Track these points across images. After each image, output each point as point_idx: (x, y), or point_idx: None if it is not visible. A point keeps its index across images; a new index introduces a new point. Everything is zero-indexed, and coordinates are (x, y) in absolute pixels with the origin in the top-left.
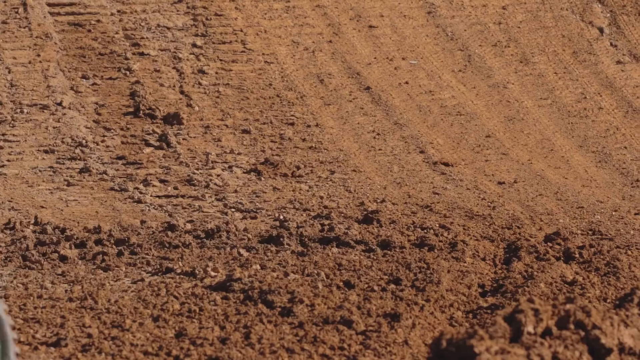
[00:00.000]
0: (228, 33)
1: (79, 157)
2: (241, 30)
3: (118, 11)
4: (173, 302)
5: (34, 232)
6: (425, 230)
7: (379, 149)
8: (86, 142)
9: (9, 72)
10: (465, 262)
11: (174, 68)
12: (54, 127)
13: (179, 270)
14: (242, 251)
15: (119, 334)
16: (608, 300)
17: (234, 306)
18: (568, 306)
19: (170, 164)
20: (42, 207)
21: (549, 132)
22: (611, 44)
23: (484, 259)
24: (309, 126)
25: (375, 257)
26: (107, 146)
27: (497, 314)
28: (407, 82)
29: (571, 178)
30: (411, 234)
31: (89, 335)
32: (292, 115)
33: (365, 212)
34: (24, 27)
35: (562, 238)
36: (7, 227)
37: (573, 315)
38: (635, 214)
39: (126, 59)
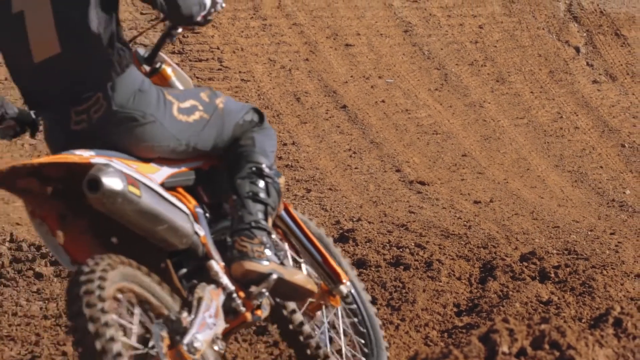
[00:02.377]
0: (205, 51)
1: None
2: (218, 48)
3: None
4: None
5: (10, 249)
6: (401, 249)
7: (355, 168)
8: None
9: None
10: (440, 282)
11: None
12: (30, 144)
13: None
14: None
15: None
16: (583, 320)
17: None
18: (543, 326)
19: None
20: (18, 224)
21: (525, 152)
22: (587, 64)
23: (459, 279)
24: (285, 144)
25: None
26: None
27: (472, 334)
28: (383, 101)
29: (547, 197)
30: (387, 252)
31: (64, 353)
32: None
33: (341, 231)
34: None
35: (538, 257)
36: None
37: (548, 335)
38: (611, 233)
39: None
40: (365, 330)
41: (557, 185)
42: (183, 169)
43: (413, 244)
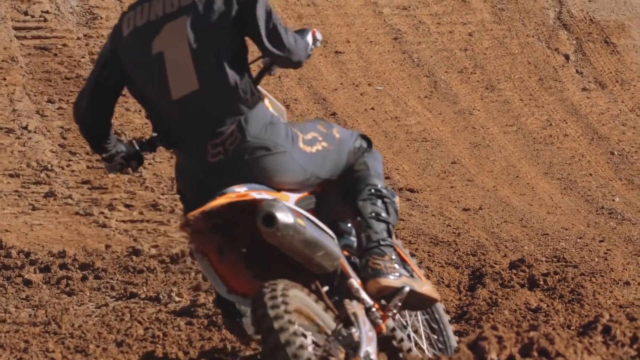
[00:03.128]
0: None
1: (44, 182)
2: None
3: (84, 35)
4: (137, 328)
5: None
6: None
7: None
8: (51, 166)
9: None
10: None
11: None
12: (19, 151)
13: (143, 295)
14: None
15: (83, 359)
16: (572, 328)
17: (198, 332)
18: (532, 333)
19: (135, 188)
20: (7, 230)
21: (515, 159)
22: (577, 71)
23: (448, 286)
24: None
25: None
26: (73, 170)
27: (460, 341)
28: (372, 108)
29: (536, 205)
30: None
31: None
32: None
33: None
34: None
35: (527, 265)
36: None
37: (537, 343)
38: (600, 241)
39: None
40: (437, 326)
41: (546, 193)
42: (305, 193)
43: None
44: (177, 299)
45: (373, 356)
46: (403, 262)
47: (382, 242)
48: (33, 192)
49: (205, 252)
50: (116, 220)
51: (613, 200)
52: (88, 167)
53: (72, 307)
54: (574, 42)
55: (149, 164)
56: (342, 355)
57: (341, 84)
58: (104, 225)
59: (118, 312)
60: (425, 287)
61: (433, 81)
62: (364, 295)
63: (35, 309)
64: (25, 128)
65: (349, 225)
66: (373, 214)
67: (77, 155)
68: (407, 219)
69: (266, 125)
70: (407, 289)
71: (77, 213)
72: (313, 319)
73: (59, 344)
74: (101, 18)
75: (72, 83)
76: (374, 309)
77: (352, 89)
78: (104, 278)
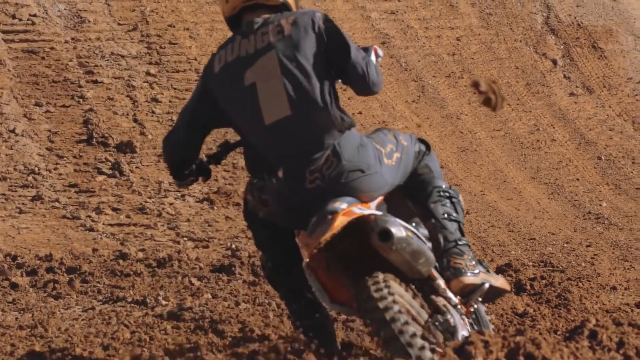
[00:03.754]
0: (182, 61)
1: (31, 185)
2: (195, 59)
3: (72, 39)
4: (123, 331)
5: None
6: None
7: None
8: (39, 169)
9: None
10: None
11: (127, 96)
12: (6, 155)
13: (130, 299)
14: (194, 280)
15: None
16: (559, 333)
17: (185, 335)
18: (518, 338)
19: (122, 192)
20: None
21: (502, 164)
22: (564, 76)
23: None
24: None
25: None
26: (60, 174)
27: (447, 346)
28: (360, 112)
29: (523, 209)
30: None
31: None
32: None
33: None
34: None
35: (514, 269)
36: None
37: (523, 348)
38: (587, 246)
39: (80, 86)
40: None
41: (533, 198)
42: (381, 198)
43: None
44: (163, 302)
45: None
46: (478, 259)
47: (458, 242)
48: (20, 196)
49: (314, 268)
50: (103, 224)
51: (600, 205)
52: (75, 170)
53: (59, 311)
54: (562, 47)
55: (136, 167)
56: (440, 339)
57: None
58: (91, 229)
59: (105, 315)
60: (500, 281)
61: (421, 85)
62: (449, 294)
63: (22, 312)
64: (13, 131)
65: (413, 224)
66: (445, 215)
67: (65, 158)
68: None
69: (358, 148)
70: (487, 285)
71: (64, 216)
72: (409, 309)
73: (46, 347)
74: (89, 21)
75: (59, 86)
76: (458, 306)
77: (339, 93)
78: (91, 282)
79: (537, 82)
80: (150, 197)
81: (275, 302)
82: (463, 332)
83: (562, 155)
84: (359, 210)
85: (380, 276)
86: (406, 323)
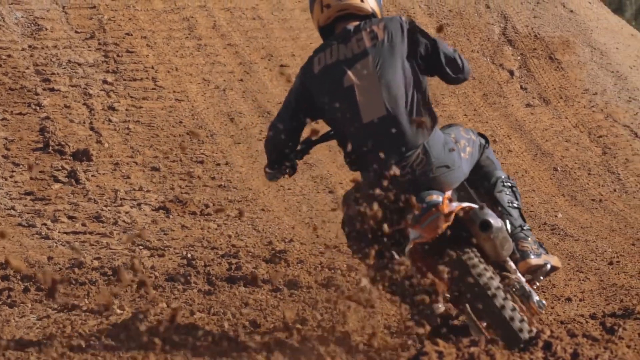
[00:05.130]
0: (139, 70)
1: None
2: (152, 68)
3: (29, 46)
4: (78, 340)
5: None
6: (333, 271)
7: (288, 189)
8: None
9: None
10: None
11: (84, 104)
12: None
13: (85, 308)
14: (149, 289)
15: None
16: None
17: (139, 345)
18: (472, 349)
19: (78, 200)
20: None
21: None
22: (521, 87)
23: (391, 300)
24: (218, 164)
25: (282, 297)
26: (16, 182)
27: (401, 356)
28: (317, 122)
29: None
30: (318, 274)
31: None
32: (201, 154)
33: (273, 252)
34: None
35: None
36: None
37: (477, 358)
38: None
39: (36, 94)
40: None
41: None
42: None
43: (345, 266)
44: (118, 311)
45: (544, 302)
46: (539, 241)
47: (523, 227)
48: None
49: (414, 251)
50: (59, 232)
51: (556, 216)
52: (31, 178)
53: (14, 319)
54: (519, 58)
55: (92, 175)
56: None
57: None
58: (46, 237)
59: (59, 324)
60: (555, 259)
61: None
62: (518, 273)
63: None
64: None
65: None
66: (509, 203)
67: (21, 166)
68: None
69: (444, 146)
70: (548, 265)
71: (19, 224)
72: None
73: (0, 355)
74: (46, 29)
75: (16, 94)
76: (525, 284)
77: None
78: (46, 290)
79: (494, 92)
80: (106, 206)
81: (231, 311)
82: (536, 297)
83: (518, 166)
84: (456, 203)
85: (474, 253)
86: (505, 299)
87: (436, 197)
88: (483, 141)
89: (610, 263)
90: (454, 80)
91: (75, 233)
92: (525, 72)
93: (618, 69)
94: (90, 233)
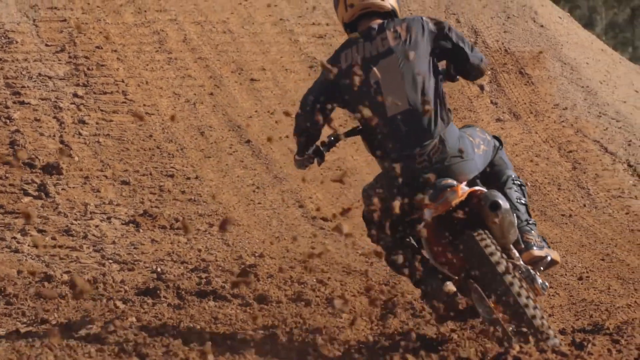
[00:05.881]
0: (109, 83)
1: None
2: (123, 81)
3: None
4: (47, 354)
5: None
6: (303, 285)
7: (259, 203)
8: None
9: None
10: (341, 318)
11: (54, 117)
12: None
13: (54, 322)
14: (119, 303)
15: None
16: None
17: (109, 359)
18: None
19: (48, 214)
20: None
21: None
22: (491, 102)
23: (360, 315)
24: (188, 178)
25: (251, 312)
26: None
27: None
28: (287, 136)
29: None
30: (288, 288)
31: None
32: (172, 167)
33: (243, 266)
34: None
35: None
36: None
37: None
38: None
39: (6, 107)
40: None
41: None
42: (464, 183)
43: (314, 280)
44: (88, 325)
45: (547, 284)
46: (542, 236)
47: (529, 221)
48: None
49: (429, 227)
50: (28, 246)
51: None
52: (1, 191)
53: None
54: (489, 72)
55: (62, 189)
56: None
57: (256, 111)
58: (16, 251)
59: (29, 338)
60: (555, 254)
61: None
62: (521, 262)
63: None
64: None
65: None
66: (518, 199)
67: None
68: (319, 248)
69: (458, 138)
70: (549, 257)
71: None
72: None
73: None
74: (16, 42)
75: None
76: (529, 268)
77: (267, 117)
78: (15, 304)
79: (464, 107)
80: (76, 219)
81: (200, 325)
82: (539, 280)
83: None
84: (469, 186)
85: (486, 234)
86: (515, 276)
87: (451, 181)
88: (497, 143)
89: (580, 278)
90: (475, 75)
91: (44, 247)
92: (495, 86)
93: (588, 84)
94: (60, 247)
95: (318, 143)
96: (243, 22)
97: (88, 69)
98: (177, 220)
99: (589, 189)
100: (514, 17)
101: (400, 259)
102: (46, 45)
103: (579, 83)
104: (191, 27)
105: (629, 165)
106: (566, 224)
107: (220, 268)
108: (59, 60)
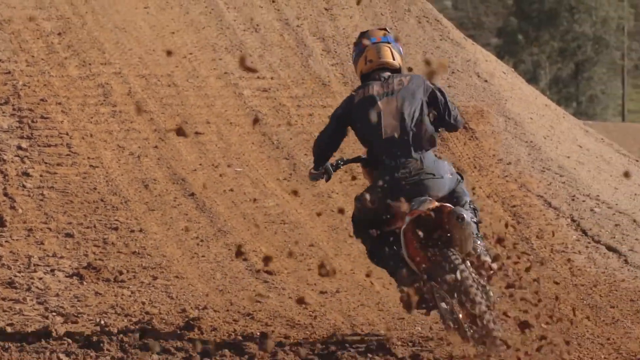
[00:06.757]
0: (54, 136)
1: None
2: (67, 134)
3: None
4: None
5: None
6: (246, 339)
7: (202, 256)
8: None
9: None
10: None
11: None
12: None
13: None
14: (62, 356)
15: None
16: None
17: None
18: None
19: None
20: None
21: None
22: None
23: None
24: (132, 231)
25: None
26: None
27: None
28: (232, 190)
29: (392, 288)
30: (232, 342)
31: None
32: (116, 220)
33: (186, 319)
34: None
35: (383, 349)
36: None
37: None
38: None
39: None
40: None
41: None
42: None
43: (258, 333)
44: None
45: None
46: (486, 247)
47: (478, 235)
48: None
49: (407, 231)
50: None
51: None
52: None
53: None
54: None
55: (5, 241)
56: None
57: (200, 164)
58: None
59: None
60: (494, 265)
61: (292, 163)
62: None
63: None
64: None
65: None
66: (471, 218)
67: None
68: (263, 301)
69: (434, 161)
70: (494, 265)
71: None
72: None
73: None
74: None
75: None
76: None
77: (211, 170)
78: None
79: None
80: (19, 272)
81: None
82: (487, 257)
83: None
84: (441, 203)
85: (457, 252)
86: (478, 288)
87: (427, 197)
88: (459, 177)
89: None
90: (450, 129)
91: None
92: (439, 141)
93: (532, 139)
94: (3, 299)
95: (327, 164)
96: (188, 76)
97: (32, 121)
98: (120, 272)
99: (532, 244)
100: (458, 71)
101: (381, 253)
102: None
103: (522, 138)
104: (136, 80)
105: (573, 220)
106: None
107: (163, 321)
108: (3, 112)
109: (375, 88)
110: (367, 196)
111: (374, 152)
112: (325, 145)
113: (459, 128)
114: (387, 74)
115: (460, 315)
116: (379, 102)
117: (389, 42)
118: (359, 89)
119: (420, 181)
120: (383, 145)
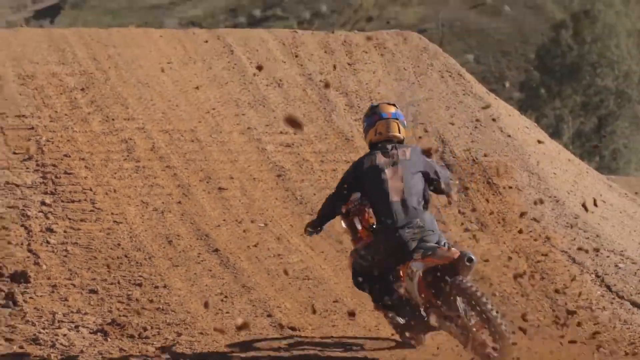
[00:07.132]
0: (77, 192)
1: None
2: (90, 189)
3: None
4: None
5: None
6: None
7: (227, 312)
8: None
9: None
10: None
11: (22, 226)
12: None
13: None
14: None
15: None
16: None
17: None
18: None
19: (16, 322)
20: None
21: None
22: (459, 212)
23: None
24: (156, 287)
25: None
26: None
27: None
28: (255, 245)
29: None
30: None
31: None
32: (140, 276)
33: None
34: None
35: None
36: None
37: None
38: None
39: None
40: None
41: None
42: None
43: None
44: None
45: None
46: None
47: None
48: None
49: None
50: None
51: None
52: None
53: None
54: (457, 182)
55: (30, 297)
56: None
57: (224, 220)
58: None
59: None
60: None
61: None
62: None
63: None
64: None
65: None
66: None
67: None
68: (287, 358)
69: (432, 220)
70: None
71: None
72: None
73: None
74: None
75: None
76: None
77: (235, 226)
78: None
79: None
80: (44, 328)
81: None
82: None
83: None
84: (453, 249)
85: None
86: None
87: (433, 244)
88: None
89: None
90: (440, 193)
91: (12, 355)
92: (463, 196)
93: (555, 194)
94: (28, 356)
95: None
96: (211, 131)
97: (56, 177)
98: (145, 329)
99: (556, 300)
100: (481, 126)
101: (386, 297)
102: (14, 153)
103: (546, 193)
104: (159, 135)
105: (597, 276)
106: (535, 334)
107: None
108: (27, 168)
109: (383, 158)
110: (368, 252)
111: (380, 214)
112: (330, 212)
113: (450, 192)
114: (392, 145)
115: (474, 329)
116: (386, 170)
117: (397, 119)
118: (367, 156)
119: (423, 238)
120: (389, 209)
